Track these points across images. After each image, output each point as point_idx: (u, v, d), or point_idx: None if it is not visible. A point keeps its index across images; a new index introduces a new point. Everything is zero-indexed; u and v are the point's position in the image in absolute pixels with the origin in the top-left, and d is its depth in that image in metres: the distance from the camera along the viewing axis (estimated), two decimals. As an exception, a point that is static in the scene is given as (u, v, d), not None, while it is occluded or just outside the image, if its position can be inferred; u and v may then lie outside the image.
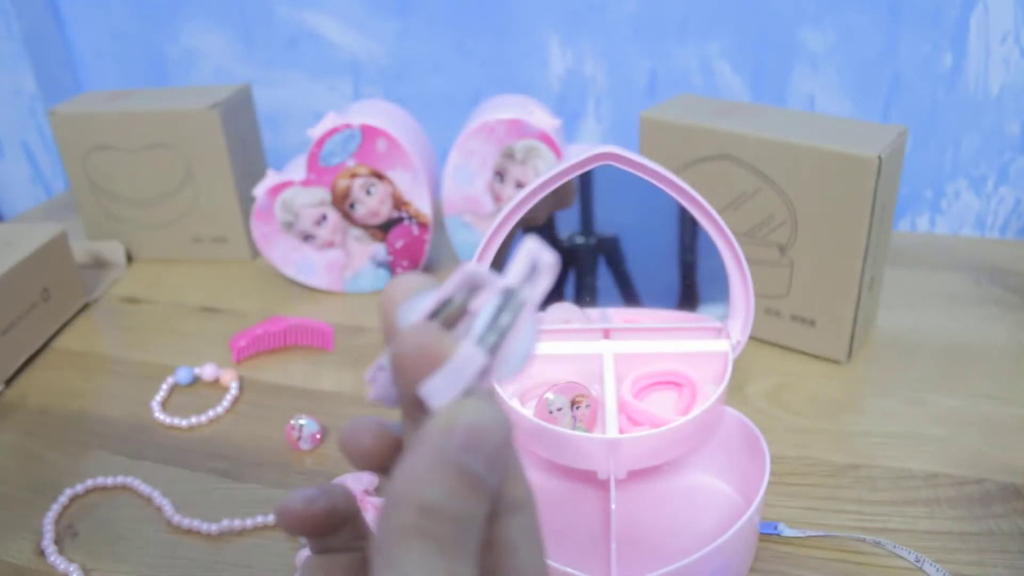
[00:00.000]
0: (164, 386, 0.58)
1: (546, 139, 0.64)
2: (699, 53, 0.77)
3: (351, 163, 0.65)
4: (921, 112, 0.74)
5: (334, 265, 0.70)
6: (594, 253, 0.49)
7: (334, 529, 0.24)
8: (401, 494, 0.18)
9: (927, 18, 0.70)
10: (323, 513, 0.23)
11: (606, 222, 0.48)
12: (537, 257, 0.20)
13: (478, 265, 0.20)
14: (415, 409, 0.20)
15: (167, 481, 0.49)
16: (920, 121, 0.75)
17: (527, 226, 0.48)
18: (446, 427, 0.18)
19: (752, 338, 0.59)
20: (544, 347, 0.47)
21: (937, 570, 0.40)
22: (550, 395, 0.45)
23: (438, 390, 0.19)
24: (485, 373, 0.19)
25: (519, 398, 0.46)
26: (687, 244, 0.48)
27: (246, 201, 0.74)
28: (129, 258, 0.78)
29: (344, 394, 0.57)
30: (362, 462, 0.22)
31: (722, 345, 0.46)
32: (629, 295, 0.50)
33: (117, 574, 0.43)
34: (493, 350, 0.19)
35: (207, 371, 0.59)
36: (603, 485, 0.44)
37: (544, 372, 0.47)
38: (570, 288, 0.50)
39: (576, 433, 0.42)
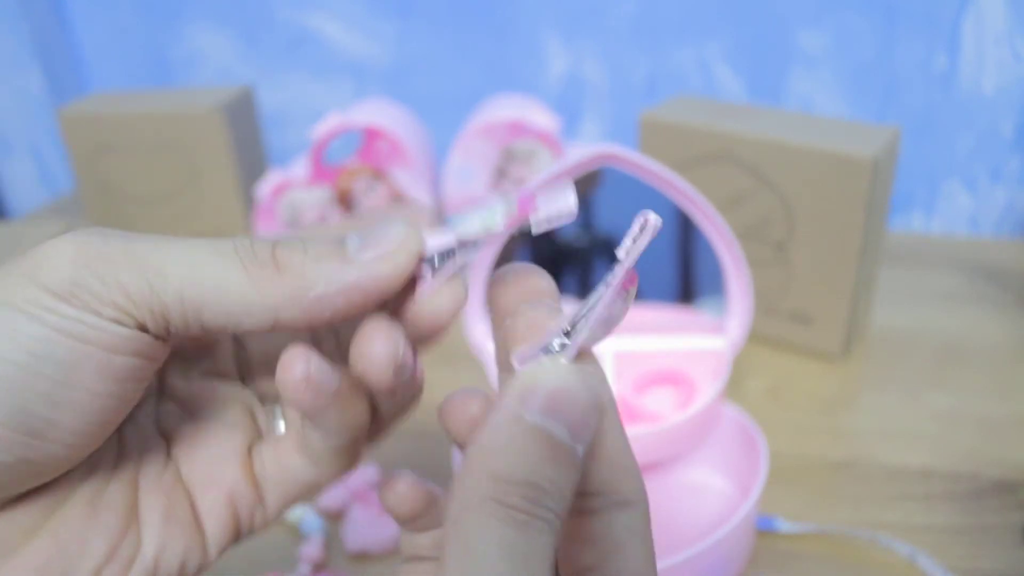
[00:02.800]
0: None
1: (546, 139, 0.65)
2: (698, 54, 0.78)
3: (353, 163, 0.66)
4: (916, 113, 0.75)
5: (336, 264, 0.70)
6: (594, 253, 0.49)
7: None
8: (476, 461, 0.16)
9: (922, 20, 0.71)
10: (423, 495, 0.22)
11: (606, 222, 0.49)
12: (644, 219, 0.20)
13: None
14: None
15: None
16: (915, 122, 0.75)
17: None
18: (525, 390, 0.17)
19: (750, 336, 0.59)
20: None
21: (931, 564, 0.40)
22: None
23: (526, 356, 0.18)
24: (571, 335, 0.19)
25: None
26: (686, 243, 0.48)
27: (249, 201, 0.74)
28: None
29: (347, 392, 0.57)
30: (463, 433, 0.20)
31: (720, 343, 0.47)
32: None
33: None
34: (583, 317, 0.19)
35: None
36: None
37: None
38: (570, 288, 0.50)
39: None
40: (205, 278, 0.18)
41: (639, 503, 0.19)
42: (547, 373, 0.17)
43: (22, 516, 0.19)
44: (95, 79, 0.95)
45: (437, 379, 0.58)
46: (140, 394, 0.20)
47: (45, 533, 0.19)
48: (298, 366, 0.19)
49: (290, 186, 0.66)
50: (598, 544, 0.18)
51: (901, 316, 0.62)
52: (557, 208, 0.19)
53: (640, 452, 0.42)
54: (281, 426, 0.24)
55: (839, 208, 0.52)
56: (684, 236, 0.48)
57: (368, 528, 0.43)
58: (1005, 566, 0.41)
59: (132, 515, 0.21)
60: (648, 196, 0.45)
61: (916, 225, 0.80)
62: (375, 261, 0.19)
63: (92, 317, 0.18)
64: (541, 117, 0.65)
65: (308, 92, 0.89)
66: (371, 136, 0.65)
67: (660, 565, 0.36)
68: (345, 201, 0.67)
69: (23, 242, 0.64)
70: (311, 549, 0.43)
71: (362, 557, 0.43)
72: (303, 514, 0.45)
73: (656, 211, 0.20)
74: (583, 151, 0.45)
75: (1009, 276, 0.67)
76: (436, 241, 0.19)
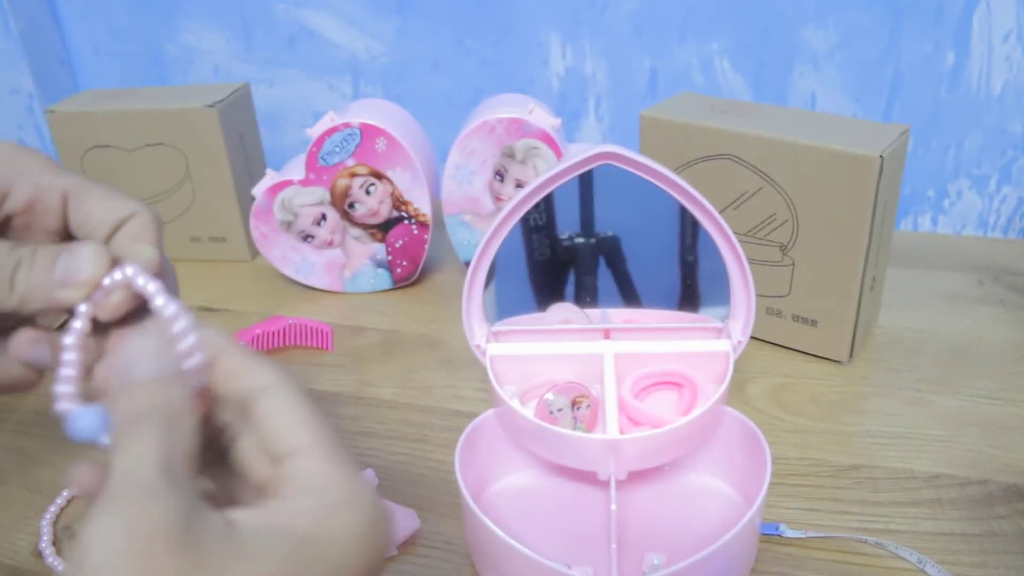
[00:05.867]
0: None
1: (546, 138, 0.64)
2: (700, 52, 0.77)
3: (350, 162, 0.65)
4: (923, 111, 0.74)
5: (333, 265, 0.70)
6: (594, 253, 0.49)
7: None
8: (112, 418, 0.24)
9: (929, 16, 0.70)
10: None
11: (606, 222, 0.48)
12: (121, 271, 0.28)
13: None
14: None
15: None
16: (922, 120, 0.74)
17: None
18: (118, 365, 0.25)
19: (753, 338, 0.58)
20: (545, 347, 0.47)
21: (939, 571, 0.40)
22: (550, 395, 0.45)
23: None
24: None
25: (519, 398, 0.46)
26: (688, 244, 0.47)
27: (245, 200, 0.74)
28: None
29: (342, 394, 0.57)
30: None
31: (723, 345, 0.46)
32: (629, 295, 0.49)
33: (115, 575, 0.43)
34: None
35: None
36: (603, 485, 0.44)
37: (545, 372, 0.47)
38: (570, 288, 0.50)
39: (576, 434, 0.42)
40: None
41: (278, 384, 0.26)
42: (128, 345, 0.26)
43: None
44: (88, 78, 0.94)
45: (437, 380, 0.58)
46: None
47: None
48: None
49: (287, 185, 0.66)
50: (256, 426, 0.25)
51: (908, 318, 0.61)
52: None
53: (641, 456, 0.42)
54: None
55: (845, 208, 0.51)
56: (686, 237, 0.48)
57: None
58: (1015, 573, 0.40)
59: None
60: (649, 196, 0.44)
61: (923, 225, 0.80)
62: (70, 289, 0.27)
63: None
64: (541, 116, 0.64)
65: (305, 90, 0.88)
66: (369, 135, 0.64)
67: (662, 572, 0.35)
68: (342, 201, 0.66)
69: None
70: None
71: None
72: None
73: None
74: (583, 150, 0.44)
75: (1019, 277, 0.66)
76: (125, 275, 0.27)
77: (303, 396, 0.26)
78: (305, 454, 0.24)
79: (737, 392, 0.54)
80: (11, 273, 0.27)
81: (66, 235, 0.30)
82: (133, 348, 0.25)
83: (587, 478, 0.44)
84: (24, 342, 0.29)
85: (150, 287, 0.27)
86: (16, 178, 0.29)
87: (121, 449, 0.23)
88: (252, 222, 0.68)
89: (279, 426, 0.25)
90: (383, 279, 0.70)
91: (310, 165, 0.65)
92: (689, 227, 0.47)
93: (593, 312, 0.50)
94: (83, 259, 0.27)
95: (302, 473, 0.24)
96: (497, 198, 0.67)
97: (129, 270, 0.27)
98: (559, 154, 0.65)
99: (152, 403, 0.24)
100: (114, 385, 0.25)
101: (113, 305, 0.28)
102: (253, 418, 0.25)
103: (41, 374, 0.30)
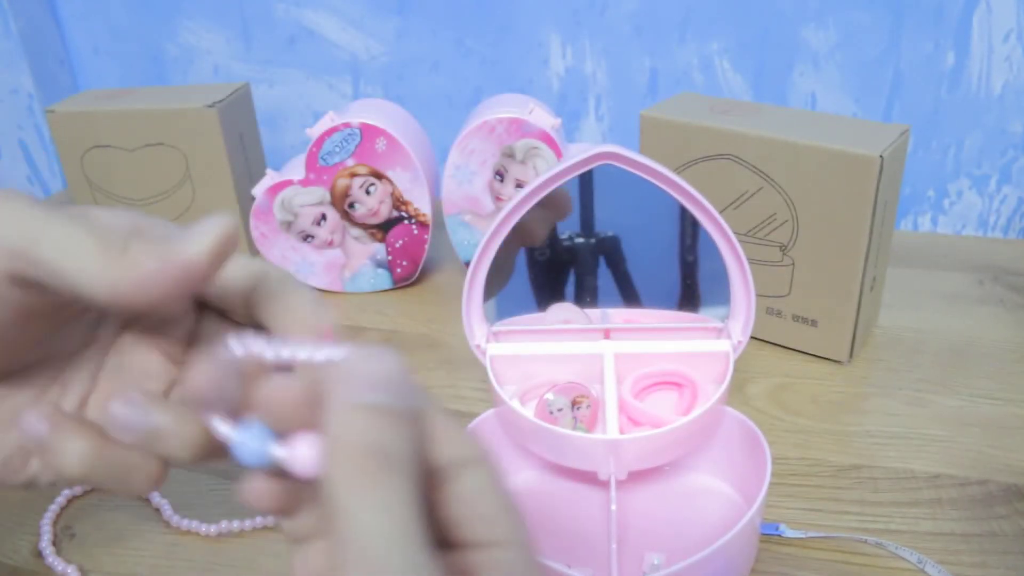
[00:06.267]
0: (163, 386, 0.58)
1: (546, 138, 0.64)
2: (700, 51, 0.77)
3: (350, 162, 0.65)
4: (923, 111, 0.74)
5: (333, 265, 0.70)
6: (594, 253, 0.49)
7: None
8: (328, 450, 0.19)
9: (929, 16, 0.70)
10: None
11: (606, 222, 0.48)
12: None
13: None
14: None
15: (166, 481, 0.49)
16: (922, 120, 0.74)
17: (528, 244, 0.48)
18: (344, 380, 0.20)
19: (753, 338, 0.58)
20: (545, 347, 0.47)
21: (939, 571, 0.40)
22: (550, 395, 0.45)
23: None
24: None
25: (519, 399, 0.46)
26: (688, 244, 0.47)
27: (245, 200, 0.74)
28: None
29: (343, 394, 0.57)
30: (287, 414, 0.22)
31: (723, 345, 0.46)
32: (629, 295, 0.49)
33: (115, 575, 0.43)
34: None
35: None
36: (603, 485, 0.44)
37: (545, 372, 0.47)
38: (570, 288, 0.50)
39: (576, 434, 0.42)
40: (70, 253, 0.22)
41: (478, 461, 0.22)
42: (355, 362, 0.21)
43: None
44: (88, 78, 0.94)
45: (437, 380, 0.58)
46: (38, 332, 0.25)
47: None
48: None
49: (286, 185, 0.66)
50: (452, 505, 0.21)
51: (908, 318, 0.61)
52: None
53: (642, 456, 0.42)
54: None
55: (846, 208, 0.51)
56: (686, 237, 0.48)
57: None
58: (1015, 574, 0.40)
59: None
60: (649, 196, 0.44)
61: (923, 225, 0.80)
62: (187, 242, 0.23)
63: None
64: (541, 116, 0.64)
65: (305, 90, 0.88)
66: (369, 135, 0.64)
67: (662, 572, 0.35)
68: (342, 201, 0.66)
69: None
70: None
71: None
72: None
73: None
74: (583, 150, 0.44)
75: (1019, 277, 0.66)
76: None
77: (501, 477, 0.22)
78: (510, 549, 0.22)
79: (737, 392, 0.54)
80: (123, 239, 0.23)
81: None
82: (361, 365, 0.21)
83: (587, 478, 0.44)
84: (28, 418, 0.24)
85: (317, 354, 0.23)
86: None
87: (359, 503, 0.18)
88: (252, 222, 0.68)
89: (483, 511, 0.22)
90: (383, 279, 0.70)
91: (310, 165, 0.65)
92: (689, 227, 0.47)
93: (593, 312, 0.49)
94: (208, 222, 0.24)
95: (507, 570, 0.21)
96: (497, 198, 0.67)
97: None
98: (559, 154, 0.65)
99: (395, 442, 0.19)
100: (331, 405, 0.20)
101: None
102: (446, 491, 0.21)
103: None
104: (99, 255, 0.22)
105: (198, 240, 0.23)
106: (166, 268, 0.22)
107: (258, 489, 0.22)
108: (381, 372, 0.20)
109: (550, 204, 0.45)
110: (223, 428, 0.22)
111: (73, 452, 0.24)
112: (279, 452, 0.21)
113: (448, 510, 0.21)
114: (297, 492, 0.23)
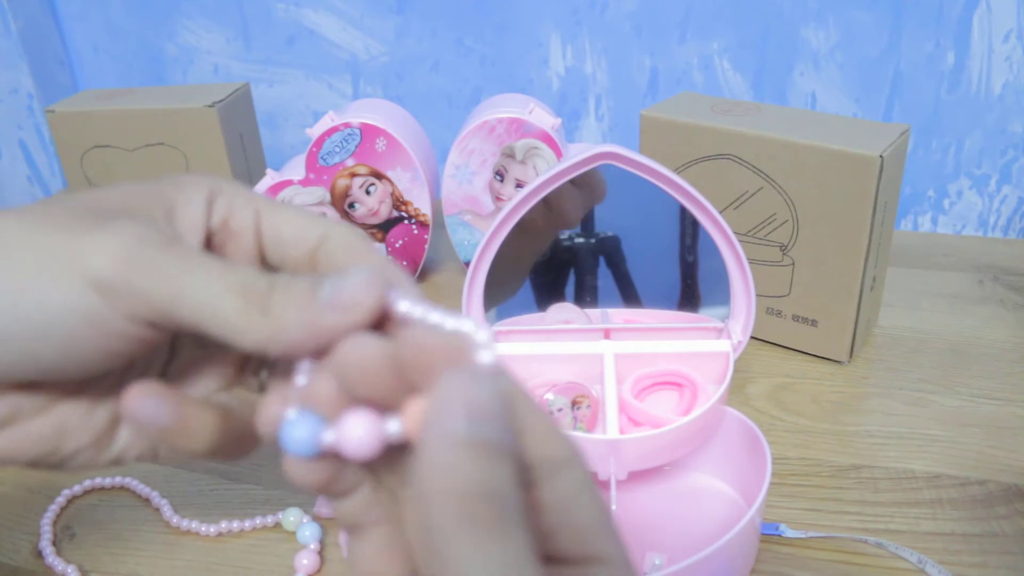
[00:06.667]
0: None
1: (546, 138, 0.64)
2: (700, 51, 0.77)
3: (350, 162, 0.65)
4: (923, 111, 0.74)
5: (333, 264, 0.69)
6: (594, 253, 0.49)
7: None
8: (428, 491, 0.17)
9: (930, 16, 0.70)
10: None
11: (606, 222, 0.48)
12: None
13: None
14: None
15: (166, 481, 0.49)
16: (922, 120, 0.74)
17: (562, 227, 0.48)
18: (444, 408, 0.18)
19: (753, 338, 0.58)
20: (545, 347, 0.47)
21: (939, 571, 0.40)
22: (550, 395, 0.45)
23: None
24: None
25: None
26: (688, 244, 0.48)
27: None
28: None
29: (343, 394, 0.57)
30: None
31: (723, 345, 0.46)
32: (630, 295, 0.49)
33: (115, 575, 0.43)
34: None
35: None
36: (604, 486, 0.44)
37: (545, 372, 0.47)
38: (570, 288, 0.50)
39: (576, 434, 0.42)
40: (211, 311, 0.22)
41: (573, 462, 0.20)
42: (453, 387, 0.18)
43: (38, 397, 0.24)
44: (87, 77, 0.94)
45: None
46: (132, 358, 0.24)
47: (51, 413, 0.25)
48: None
49: (286, 185, 0.66)
50: (547, 512, 0.19)
51: (908, 318, 0.61)
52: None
53: (642, 456, 0.42)
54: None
55: (846, 208, 0.51)
56: (686, 237, 0.48)
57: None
58: (1015, 574, 0.40)
59: (117, 420, 0.26)
60: (649, 196, 0.44)
61: (924, 225, 0.80)
62: (339, 312, 0.21)
63: (112, 313, 0.22)
64: (541, 116, 0.64)
65: (305, 90, 0.88)
66: (369, 135, 0.64)
67: (662, 572, 0.35)
68: (342, 201, 0.66)
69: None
70: (308, 557, 0.42)
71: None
72: (301, 522, 0.45)
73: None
74: (583, 150, 0.44)
75: (1019, 277, 0.66)
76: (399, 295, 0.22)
77: (596, 484, 0.21)
78: (611, 567, 0.19)
79: (737, 392, 0.54)
80: (265, 294, 0.22)
81: (262, 262, 0.26)
82: (464, 387, 0.18)
83: (587, 478, 0.44)
84: (136, 395, 0.23)
85: (432, 316, 0.21)
86: (213, 194, 0.25)
87: (473, 558, 0.17)
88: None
89: (581, 520, 0.19)
90: (383, 279, 0.70)
91: (310, 165, 0.65)
92: (689, 227, 0.47)
93: (593, 312, 0.49)
94: (356, 279, 0.21)
95: None
96: (497, 198, 0.67)
97: (404, 302, 0.21)
98: (559, 154, 0.65)
99: (507, 484, 0.18)
100: (431, 437, 0.18)
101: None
102: (538, 496, 0.19)
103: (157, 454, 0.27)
104: (242, 315, 0.21)
105: (346, 301, 0.21)
106: (311, 331, 0.21)
107: (303, 465, 0.21)
108: (486, 395, 0.18)
109: (586, 185, 0.45)
110: (273, 410, 0.21)
111: (203, 429, 0.24)
112: (329, 436, 0.20)
113: (541, 518, 0.19)
114: (346, 472, 0.22)
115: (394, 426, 0.20)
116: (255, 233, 0.25)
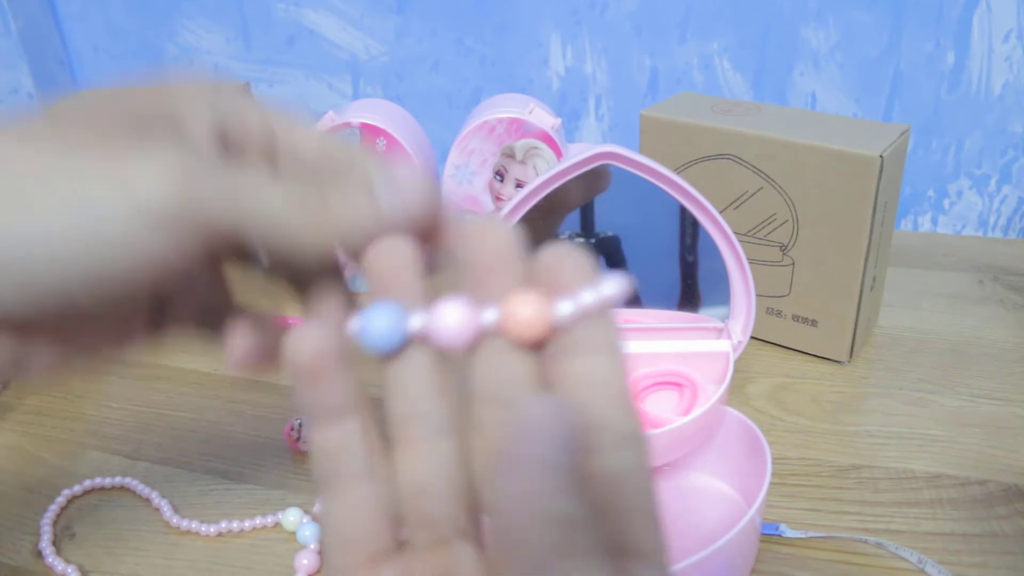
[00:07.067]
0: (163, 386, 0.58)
1: (546, 138, 0.64)
2: (700, 51, 0.77)
3: (350, 162, 0.65)
4: (923, 111, 0.74)
5: (333, 264, 0.69)
6: (594, 253, 0.49)
7: None
8: (515, 516, 0.16)
9: (930, 16, 0.70)
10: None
11: (606, 222, 0.48)
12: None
13: None
14: None
15: (166, 482, 0.49)
16: (922, 120, 0.74)
17: (559, 213, 0.47)
18: (520, 433, 0.17)
19: (753, 338, 0.58)
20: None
21: (939, 571, 0.40)
22: (550, 395, 0.45)
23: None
24: None
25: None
26: (688, 244, 0.48)
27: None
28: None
29: (343, 394, 0.56)
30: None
31: (723, 345, 0.46)
32: (629, 295, 0.49)
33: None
34: None
35: (206, 371, 0.59)
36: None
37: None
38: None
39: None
40: (277, 225, 0.21)
41: (636, 439, 0.19)
42: (525, 411, 0.17)
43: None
44: (87, 77, 0.94)
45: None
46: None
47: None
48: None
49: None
50: (596, 484, 0.18)
51: (908, 318, 0.61)
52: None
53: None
54: None
55: (846, 208, 0.51)
56: (686, 237, 0.48)
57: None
58: (1016, 574, 0.40)
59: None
60: (649, 196, 0.44)
61: (924, 225, 0.80)
62: (401, 206, 0.21)
63: (166, 242, 0.20)
64: (541, 116, 0.64)
65: (305, 90, 0.88)
66: (369, 135, 0.64)
67: (662, 574, 0.35)
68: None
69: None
70: (308, 557, 0.42)
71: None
72: (301, 522, 0.45)
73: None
74: (583, 150, 0.44)
75: (1019, 277, 0.66)
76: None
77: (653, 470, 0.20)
78: (649, 564, 0.19)
79: (737, 392, 0.54)
80: (322, 199, 0.21)
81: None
82: (538, 407, 0.17)
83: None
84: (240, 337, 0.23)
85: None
86: (217, 105, 0.24)
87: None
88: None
89: (628, 508, 0.19)
90: (383, 279, 0.70)
91: (310, 165, 0.65)
92: (689, 227, 0.47)
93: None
94: (410, 176, 0.22)
95: None
96: (497, 198, 0.67)
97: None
98: (559, 154, 0.65)
99: (580, 509, 0.17)
100: (504, 461, 0.17)
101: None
102: (592, 464, 0.19)
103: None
104: (307, 224, 0.21)
105: (407, 198, 0.21)
106: (372, 226, 0.21)
107: (242, 342, 0.22)
108: (559, 414, 0.17)
109: (591, 175, 0.45)
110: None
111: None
112: (416, 323, 0.19)
113: (588, 490, 0.18)
114: (342, 383, 0.21)
115: (491, 315, 0.19)
116: (265, 146, 0.24)
